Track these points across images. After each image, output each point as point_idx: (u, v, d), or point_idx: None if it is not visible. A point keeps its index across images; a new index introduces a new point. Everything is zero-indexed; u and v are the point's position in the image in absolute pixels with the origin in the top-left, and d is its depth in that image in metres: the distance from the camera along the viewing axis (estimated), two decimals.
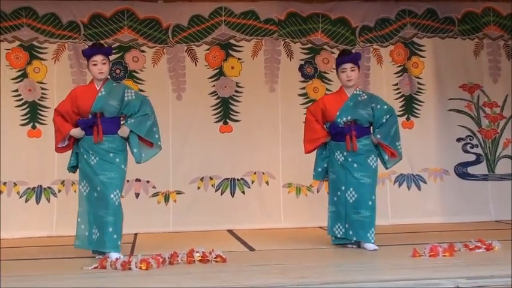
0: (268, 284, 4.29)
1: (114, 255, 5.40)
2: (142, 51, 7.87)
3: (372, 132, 6.06)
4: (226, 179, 7.93)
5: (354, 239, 5.95)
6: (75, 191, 7.55)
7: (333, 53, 8.11)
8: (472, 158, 8.28)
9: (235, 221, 7.74)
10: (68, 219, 7.43)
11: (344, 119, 6.00)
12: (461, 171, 8.24)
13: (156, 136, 5.86)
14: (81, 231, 5.74)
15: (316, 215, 7.77)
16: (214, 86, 7.98)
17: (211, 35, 7.98)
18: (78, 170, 5.84)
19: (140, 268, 4.84)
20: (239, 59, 8.03)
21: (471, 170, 8.25)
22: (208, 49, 7.98)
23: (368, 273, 4.69)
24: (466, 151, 8.28)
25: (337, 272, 4.75)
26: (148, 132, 5.79)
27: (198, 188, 7.88)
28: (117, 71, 7.79)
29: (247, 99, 8.00)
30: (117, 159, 5.69)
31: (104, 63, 5.75)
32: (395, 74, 8.26)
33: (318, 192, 7.98)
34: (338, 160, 6.02)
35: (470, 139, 8.30)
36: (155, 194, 7.79)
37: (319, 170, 6.20)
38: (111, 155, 5.68)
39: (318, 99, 6.42)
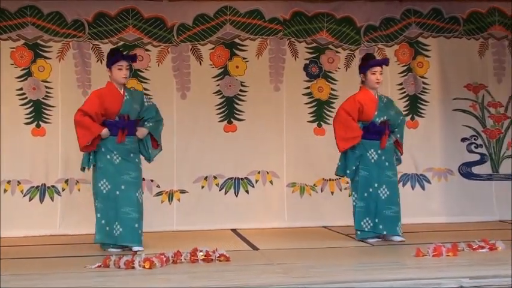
0: (272, 284, 4.29)
1: (137, 249, 5.87)
2: (147, 50, 7.88)
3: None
4: (231, 178, 7.94)
5: (384, 232, 6.28)
6: (79, 190, 7.62)
7: (337, 52, 8.13)
8: (477, 157, 8.27)
9: (239, 220, 7.75)
10: (71, 218, 7.54)
11: (382, 118, 6.38)
12: (466, 171, 8.23)
13: (161, 139, 6.39)
14: (102, 226, 6.07)
15: (319, 214, 7.84)
16: (218, 85, 7.98)
17: (216, 34, 7.98)
18: (93, 168, 6.15)
19: (144, 267, 4.86)
20: (244, 58, 8.03)
21: (475, 169, 8.25)
22: (213, 48, 7.98)
23: (371, 272, 4.70)
24: (471, 151, 8.28)
25: (340, 271, 4.76)
26: (159, 136, 6.35)
27: (202, 187, 7.89)
28: None
29: (251, 99, 8.00)
30: (137, 160, 6.18)
31: (127, 69, 6.16)
32: (400, 73, 8.25)
33: (321, 191, 7.98)
34: (372, 158, 6.36)
35: (474, 139, 8.29)
36: (159, 193, 7.80)
37: (353, 168, 6.44)
38: (132, 155, 6.13)
39: (349, 97, 6.53)
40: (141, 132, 6.20)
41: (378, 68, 6.41)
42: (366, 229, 6.32)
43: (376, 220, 6.29)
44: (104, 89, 6.24)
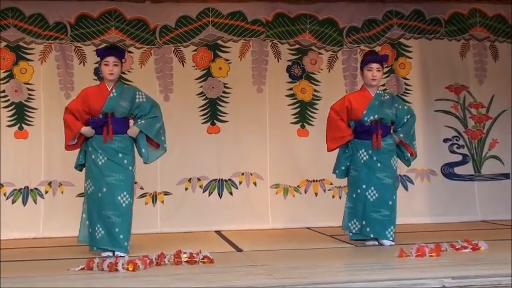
0: (256, 285, 4.28)
1: (118, 254, 5.68)
2: (130, 52, 7.85)
3: (392, 131, 6.31)
4: (214, 179, 7.93)
5: (371, 235, 6.13)
6: (62, 192, 7.58)
7: (320, 53, 8.16)
8: (459, 158, 8.31)
9: (223, 222, 7.74)
10: (55, 221, 7.50)
11: (371, 117, 6.19)
12: (448, 172, 8.28)
13: (163, 138, 6.10)
14: (85, 227, 5.92)
15: (303, 215, 7.84)
16: (201, 86, 7.97)
17: (199, 36, 7.97)
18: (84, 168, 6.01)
19: (127, 269, 4.82)
20: (227, 59, 8.03)
21: (458, 170, 8.29)
22: (195, 50, 7.97)
23: (355, 273, 4.70)
24: (453, 151, 8.32)
25: (323, 272, 4.76)
26: (157, 134, 6.04)
27: (186, 189, 7.87)
28: None
29: (234, 100, 7.99)
30: (125, 161, 5.89)
31: (116, 65, 5.96)
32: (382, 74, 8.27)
33: (305, 193, 7.99)
34: (362, 159, 6.19)
35: (456, 139, 8.34)
36: (143, 195, 7.77)
37: (343, 168, 6.33)
38: (120, 155, 5.87)
39: (341, 97, 6.44)
40: (132, 130, 5.95)
41: (374, 65, 6.19)
42: (353, 231, 6.18)
43: (364, 222, 6.10)
44: (93, 86, 6.18)
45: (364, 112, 6.18)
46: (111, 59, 5.94)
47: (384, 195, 6.14)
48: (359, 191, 6.17)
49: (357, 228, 6.18)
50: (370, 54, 6.44)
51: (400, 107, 6.34)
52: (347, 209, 6.29)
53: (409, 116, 6.34)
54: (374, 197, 6.13)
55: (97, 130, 5.88)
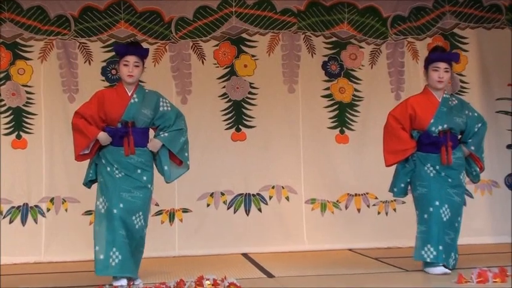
0: None
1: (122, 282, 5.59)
2: None
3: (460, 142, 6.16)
4: (240, 194, 7.90)
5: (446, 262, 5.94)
6: (66, 210, 7.60)
7: (361, 47, 8.12)
8: None
9: (250, 243, 7.72)
10: (58, 242, 7.54)
11: (440, 127, 6.02)
12: None
13: (186, 154, 6.04)
14: (96, 254, 5.71)
15: (344, 235, 7.80)
16: (224, 87, 7.97)
17: (221, 29, 7.97)
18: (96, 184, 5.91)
19: None
20: (253, 55, 8.01)
21: None
22: (217, 45, 7.97)
23: None
24: None
25: None
26: (181, 150, 5.96)
27: (208, 205, 7.85)
28: (113, 71, 7.77)
29: (262, 102, 7.98)
30: (144, 178, 5.82)
31: (137, 66, 5.88)
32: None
33: (346, 208, 7.93)
34: (430, 173, 6.01)
35: None
36: (158, 213, 7.76)
37: (402, 185, 6.18)
38: (139, 171, 5.80)
39: (401, 101, 6.33)
40: (153, 144, 5.88)
41: (441, 64, 5.99)
42: (428, 259, 5.88)
43: (440, 247, 5.85)
44: (110, 89, 6.13)
45: (431, 121, 6.00)
46: (131, 59, 5.85)
47: (453, 215, 5.97)
48: (431, 209, 5.93)
49: (432, 256, 5.87)
50: (436, 51, 6.21)
51: (470, 114, 6.16)
52: (419, 233, 6.02)
53: (480, 125, 6.18)
54: (447, 216, 5.94)
55: (115, 141, 5.77)
